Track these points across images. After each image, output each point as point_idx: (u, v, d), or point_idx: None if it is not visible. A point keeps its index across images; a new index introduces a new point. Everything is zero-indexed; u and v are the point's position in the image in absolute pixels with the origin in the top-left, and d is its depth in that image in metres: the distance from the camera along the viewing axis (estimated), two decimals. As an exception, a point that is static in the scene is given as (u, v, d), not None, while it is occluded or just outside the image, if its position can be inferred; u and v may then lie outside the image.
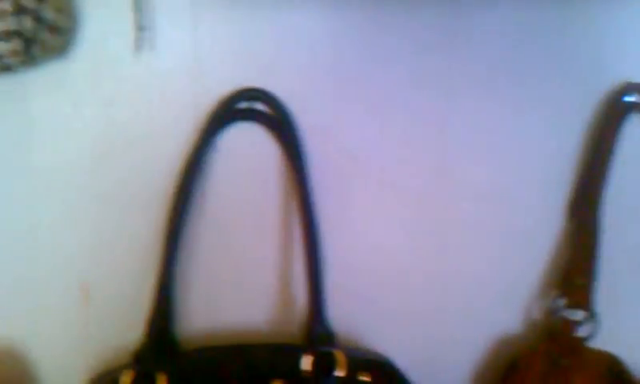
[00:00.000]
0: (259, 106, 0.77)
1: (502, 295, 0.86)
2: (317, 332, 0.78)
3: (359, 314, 0.84)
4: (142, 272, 0.78)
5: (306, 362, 0.74)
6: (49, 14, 0.67)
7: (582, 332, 0.83)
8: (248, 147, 0.79)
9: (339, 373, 0.74)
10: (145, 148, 0.77)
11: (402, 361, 0.79)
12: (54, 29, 0.68)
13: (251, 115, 0.77)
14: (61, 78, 0.75)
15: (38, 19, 0.66)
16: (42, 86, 0.75)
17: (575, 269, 0.83)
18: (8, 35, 0.65)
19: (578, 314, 0.83)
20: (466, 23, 0.79)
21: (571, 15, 0.80)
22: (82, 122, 0.76)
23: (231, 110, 0.77)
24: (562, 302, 0.84)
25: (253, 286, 0.82)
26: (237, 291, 0.82)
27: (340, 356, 0.75)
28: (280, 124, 0.77)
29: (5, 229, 0.79)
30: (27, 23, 0.66)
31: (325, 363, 0.75)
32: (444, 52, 0.80)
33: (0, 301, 0.81)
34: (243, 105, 0.77)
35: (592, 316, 0.82)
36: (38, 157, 0.77)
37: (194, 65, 0.76)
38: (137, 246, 0.79)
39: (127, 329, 0.78)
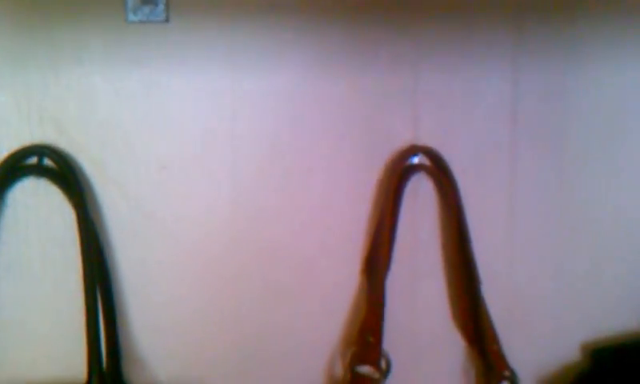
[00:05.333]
0: (48, 162, 0.79)
1: (303, 353, 0.88)
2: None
3: (158, 370, 0.85)
4: None
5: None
6: None
7: (376, 388, 0.85)
8: (39, 202, 0.80)
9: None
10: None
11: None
12: None
13: (39, 170, 0.79)
14: None
15: None
16: None
17: (367, 326, 0.85)
18: None
19: (372, 371, 0.85)
20: (258, 84, 0.83)
21: (359, 82, 0.85)
22: None
23: (19, 166, 0.79)
24: (356, 358, 0.85)
25: (45, 337, 0.82)
26: (29, 342, 0.82)
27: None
28: (66, 179, 0.79)
29: None
30: None
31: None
32: (230, 116, 0.83)
33: None
34: (32, 160, 0.79)
35: (383, 373, 0.84)
36: None
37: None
38: None
39: None
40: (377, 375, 0.84)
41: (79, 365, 0.80)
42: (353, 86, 0.84)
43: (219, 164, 0.83)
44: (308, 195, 0.86)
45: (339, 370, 0.88)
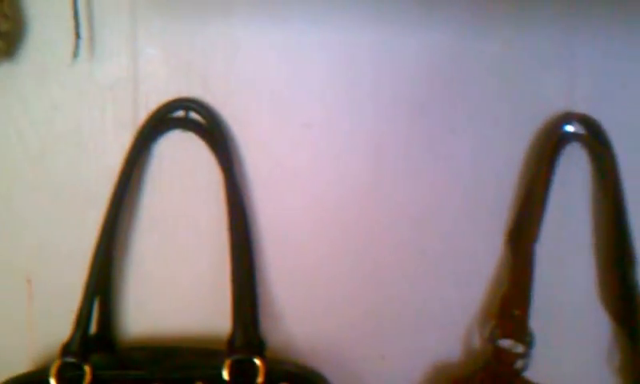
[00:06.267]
0: (194, 115, 0.80)
1: (440, 320, 0.85)
2: (240, 339, 0.77)
3: (293, 327, 0.85)
4: (84, 269, 0.79)
5: (225, 369, 0.75)
6: (-7, 18, 0.72)
7: (517, 363, 0.81)
8: (183, 154, 0.81)
9: (258, 381, 0.75)
10: (87, 151, 0.80)
11: (335, 381, 0.79)
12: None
13: (186, 124, 0.80)
14: (9, 79, 0.79)
15: (-20, 22, 0.71)
16: (-8, 85, 0.80)
17: (511, 299, 0.81)
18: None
19: (515, 345, 0.82)
20: (404, 41, 0.80)
21: (515, 42, 0.80)
22: (30, 122, 0.80)
23: (167, 119, 0.80)
24: (499, 331, 0.82)
25: (188, 290, 0.84)
26: (173, 294, 0.84)
27: (260, 364, 0.75)
28: (213, 133, 0.79)
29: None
30: (-28, 27, 0.71)
31: (244, 371, 0.75)
32: (373, 75, 0.81)
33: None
34: (179, 113, 0.80)
35: (527, 347, 0.81)
36: (-14, 154, 0.82)
37: (133, 74, 0.79)
38: (78, 245, 0.81)
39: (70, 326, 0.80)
40: (521, 349, 0.81)
41: (217, 317, 0.82)
42: (507, 45, 0.80)
43: (361, 124, 0.81)
44: (453, 158, 0.82)
45: (476, 343, 0.86)
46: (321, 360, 0.83)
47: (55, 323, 0.81)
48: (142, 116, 0.79)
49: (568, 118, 0.81)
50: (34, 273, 0.83)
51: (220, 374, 0.75)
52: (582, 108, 0.81)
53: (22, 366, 0.82)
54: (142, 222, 0.82)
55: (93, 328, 0.79)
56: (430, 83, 0.81)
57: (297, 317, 0.85)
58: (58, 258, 0.83)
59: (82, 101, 0.80)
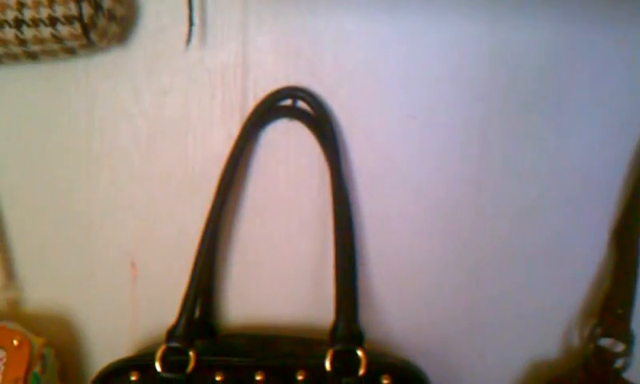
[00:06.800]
0: (301, 104, 0.80)
1: (539, 318, 0.84)
2: (342, 330, 0.77)
3: (391, 320, 0.85)
4: (188, 256, 0.80)
5: (327, 358, 0.76)
6: (107, 2, 0.72)
7: (618, 363, 0.80)
8: (290, 143, 0.81)
9: (360, 372, 0.75)
10: (194, 137, 0.82)
11: (433, 376, 0.79)
12: (112, 16, 0.74)
13: (293, 112, 0.80)
14: (120, 64, 0.80)
15: (97, 6, 0.72)
16: (103, 71, 0.81)
17: (614, 298, 0.80)
18: (68, 19, 0.71)
19: (615, 344, 0.81)
20: (510, 38, 0.79)
21: (629, 37, 0.79)
22: (139, 108, 0.81)
23: (274, 107, 0.80)
24: (600, 330, 0.81)
25: (289, 278, 0.84)
26: (274, 283, 0.84)
27: (362, 356, 0.75)
28: (320, 122, 0.79)
29: (65, 206, 0.85)
30: (86, 9, 0.71)
31: (346, 361, 0.75)
32: (485, 68, 0.80)
33: (60, 271, 0.86)
34: (286, 102, 0.80)
35: (629, 347, 0.80)
36: (97, 137, 0.82)
37: (242, 61, 0.80)
38: (184, 230, 0.83)
39: (173, 309, 0.79)
40: (621, 348, 0.80)
41: (317, 307, 0.83)
42: (615, 39, 0.79)
43: (468, 117, 0.80)
44: (559, 156, 0.81)
45: (575, 342, 0.85)
46: (419, 355, 0.83)
47: (158, 308, 0.84)
48: (250, 103, 0.80)
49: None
50: (139, 257, 0.85)
51: (322, 364, 0.74)
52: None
53: (125, 349, 0.84)
54: (246, 210, 0.83)
55: (196, 314, 0.80)
56: (541, 80, 0.80)
57: (396, 310, 0.85)
58: (162, 243, 0.84)
59: (191, 87, 0.81)
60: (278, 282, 0.84)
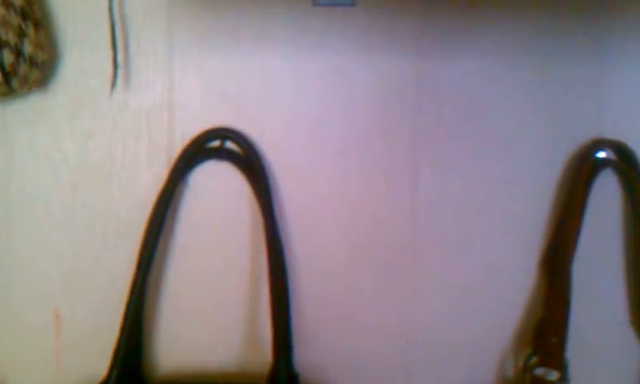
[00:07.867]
0: (230, 145, 0.79)
1: (473, 349, 0.84)
2: (283, 373, 0.77)
3: (327, 358, 0.83)
4: (114, 304, 0.79)
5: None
6: (28, 48, 0.70)
7: (553, 392, 0.81)
8: (218, 185, 0.80)
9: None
10: (120, 182, 0.79)
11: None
12: (34, 62, 0.71)
13: (222, 154, 0.79)
14: (41, 110, 0.78)
15: (18, 53, 0.69)
16: (23, 117, 0.78)
17: (547, 326, 0.81)
18: (-13, 67, 0.69)
19: (550, 373, 0.81)
20: (436, 72, 0.81)
21: (548, 69, 0.81)
22: (61, 153, 0.79)
23: (203, 148, 0.79)
24: (534, 359, 0.82)
25: (221, 323, 0.82)
26: (205, 328, 0.82)
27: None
28: (249, 163, 0.78)
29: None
30: (7, 57, 0.69)
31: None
32: (413, 102, 0.81)
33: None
34: (214, 143, 0.79)
35: (564, 375, 0.81)
36: (16, 185, 0.79)
37: (168, 103, 0.79)
38: (110, 277, 0.80)
39: (98, 359, 0.79)
40: (556, 377, 0.81)
41: (250, 352, 0.81)
42: (537, 73, 0.81)
43: (397, 151, 0.81)
44: (486, 184, 0.82)
45: (510, 371, 0.85)
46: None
47: (84, 357, 0.81)
48: (178, 146, 0.79)
49: (600, 144, 0.82)
50: (63, 306, 0.81)
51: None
52: (611, 134, 0.83)
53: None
54: (175, 255, 0.81)
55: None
56: (469, 109, 0.81)
57: (330, 347, 0.83)
58: (87, 292, 0.81)
59: (115, 131, 0.79)
60: (209, 328, 0.82)
